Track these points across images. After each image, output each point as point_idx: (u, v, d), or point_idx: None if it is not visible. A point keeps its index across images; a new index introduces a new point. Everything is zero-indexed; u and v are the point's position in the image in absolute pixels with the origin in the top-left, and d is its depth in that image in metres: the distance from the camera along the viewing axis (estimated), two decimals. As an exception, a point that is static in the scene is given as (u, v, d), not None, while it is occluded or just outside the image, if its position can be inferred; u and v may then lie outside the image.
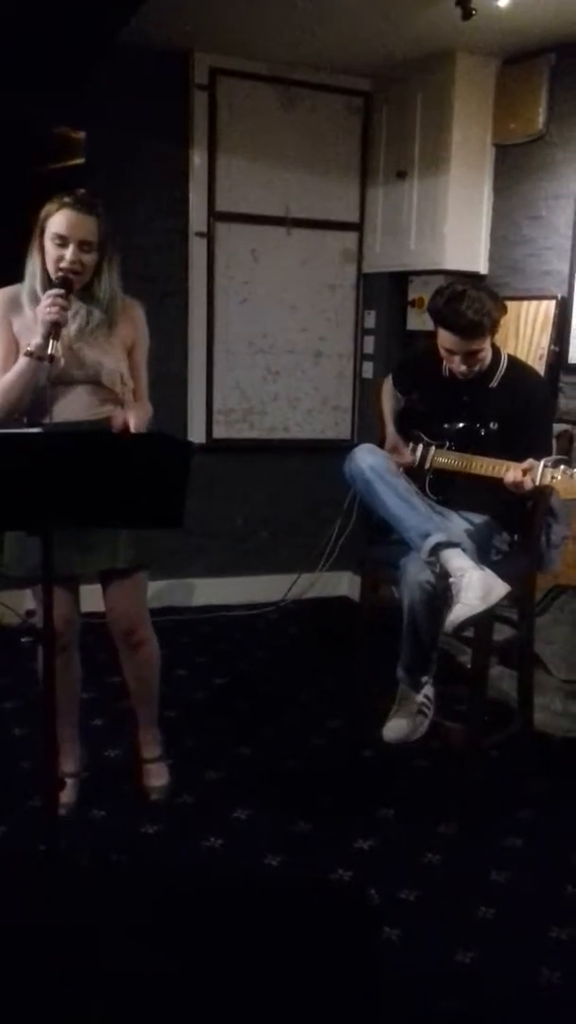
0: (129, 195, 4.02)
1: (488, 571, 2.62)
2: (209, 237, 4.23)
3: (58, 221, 2.38)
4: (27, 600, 4.02)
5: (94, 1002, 2.00)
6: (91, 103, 3.85)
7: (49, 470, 1.85)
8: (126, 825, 2.68)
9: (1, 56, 3.63)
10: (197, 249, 4.23)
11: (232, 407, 4.44)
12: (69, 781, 2.68)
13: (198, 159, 4.16)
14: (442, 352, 2.77)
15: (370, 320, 4.57)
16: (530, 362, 3.42)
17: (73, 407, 2.48)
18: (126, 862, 2.53)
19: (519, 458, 2.65)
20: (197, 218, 4.20)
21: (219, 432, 4.43)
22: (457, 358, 2.73)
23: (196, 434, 4.33)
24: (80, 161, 3.91)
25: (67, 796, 2.66)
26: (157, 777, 2.81)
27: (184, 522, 1.97)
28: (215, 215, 4.22)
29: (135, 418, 2.49)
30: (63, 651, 2.63)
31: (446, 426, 2.88)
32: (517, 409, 2.77)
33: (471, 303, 2.62)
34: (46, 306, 2.32)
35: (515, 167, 3.88)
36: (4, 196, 3.79)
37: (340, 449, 3.43)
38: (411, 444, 2.97)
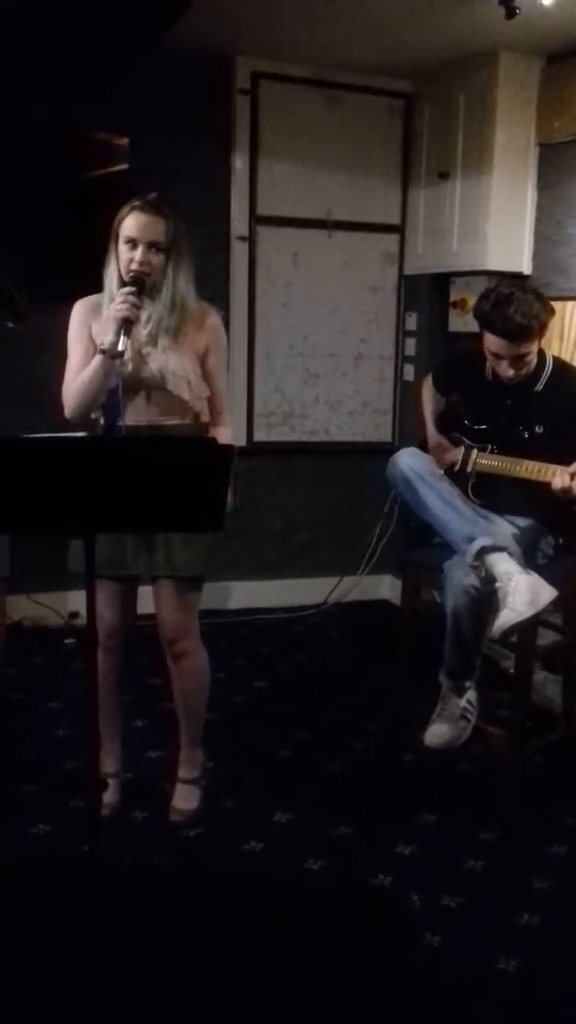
0: (171, 200, 4.03)
1: (535, 575, 2.59)
2: (250, 241, 4.24)
3: (129, 224, 2.44)
4: (70, 602, 4.07)
5: (133, 1001, 2.00)
6: (133, 109, 3.88)
7: (90, 474, 1.87)
8: (168, 827, 2.69)
9: (43, 62, 3.68)
10: (239, 253, 4.24)
11: (272, 410, 4.45)
12: (111, 782, 2.70)
13: (240, 163, 4.17)
14: (488, 356, 2.74)
15: (411, 322, 4.55)
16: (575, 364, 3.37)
17: (139, 412, 2.52)
18: (168, 864, 2.54)
19: (566, 462, 2.61)
20: (239, 222, 4.22)
21: (260, 435, 4.43)
22: (504, 362, 2.69)
23: (236, 437, 4.34)
24: (123, 167, 3.95)
25: (110, 796, 2.67)
26: (184, 800, 2.74)
27: (224, 525, 1.97)
28: (256, 219, 4.23)
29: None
30: (111, 653, 2.65)
31: (489, 429, 2.85)
32: (564, 412, 2.73)
33: (519, 306, 2.59)
34: (118, 303, 2.39)
35: (560, 166, 3.84)
36: (49, 203, 3.85)
37: (381, 452, 3.41)
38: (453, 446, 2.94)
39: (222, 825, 2.71)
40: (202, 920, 2.30)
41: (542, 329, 2.66)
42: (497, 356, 2.70)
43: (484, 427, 2.86)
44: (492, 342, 2.68)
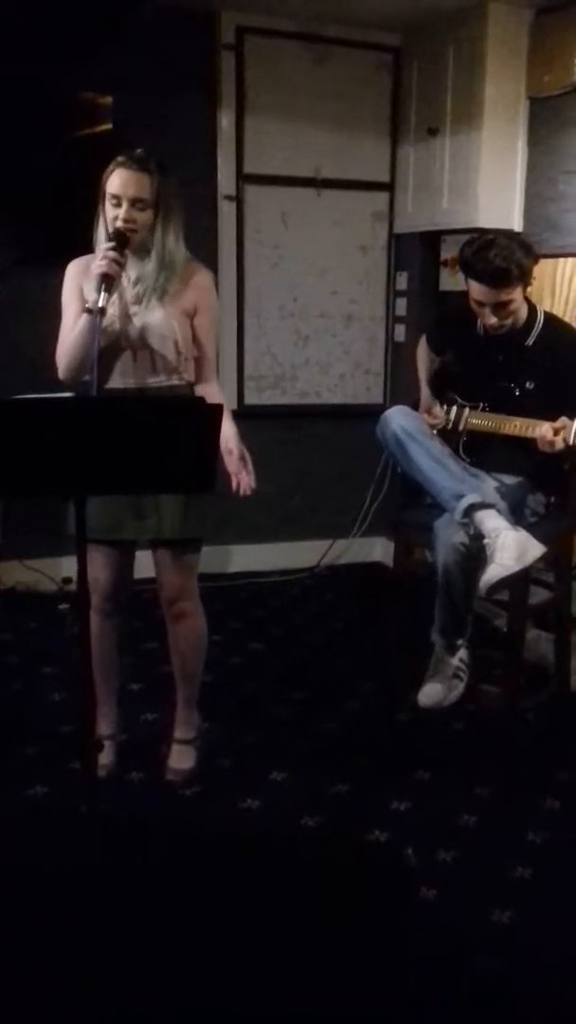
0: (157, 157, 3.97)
1: (523, 532, 2.60)
2: (238, 200, 4.19)
3: (113, 181, 2.41)
4: (64, 568, 4.07)
5: (130, 957, 2.03)
6: (117, 67, 3.81)
7: (79, 435, 1.85)
8: (164, 787, 2.71)
9: (25, 21, 3.61)
10: (226, 212, 4.19)
11: (263, 373, 4.42)
12: (107, 743, 2.71)
13: (225, 121, 4.11)
14: (473, 305, 2.72)
15: (402, 281, 4.51)
16: (567, 319, 3.35)
17: (127, 373, 2.50)
18: (165, 823, 2.57)
19: (555, 418, 2.61)
20: (226, 181, 4.16)
21: (250, 398, 4.41)
22: (487, 310, 2.68)
23: (227, 401, 4.31)
24: (107, 127, 3.88)
25: (106, 758, 2.68)
26: (180, 760, 2.77)
27: (216, 487, 1.97)
28: (244, 177, 4.17)
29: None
30: (109, 616, 2.66)
31: (480, 387, 2.84)
32: (555, 367, 2.72)
33: (499, 251, 2.58)
34: (98, 260, 2.37)
35: (550, 120, 3.78)
36: (33, 164, 3.79)
37: (372, 414, 3.39)
38: (445, 406, 2.94)
39: (218, 784, 2.74)
40: (200, 877, 2.33)
41: (524, 275, 2.63)
42: (480, 304, 2.68)
43: (476, 385, 2.85)
44: (474, 289, 2.66)
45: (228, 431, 2.58)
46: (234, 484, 2.59)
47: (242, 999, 1.95)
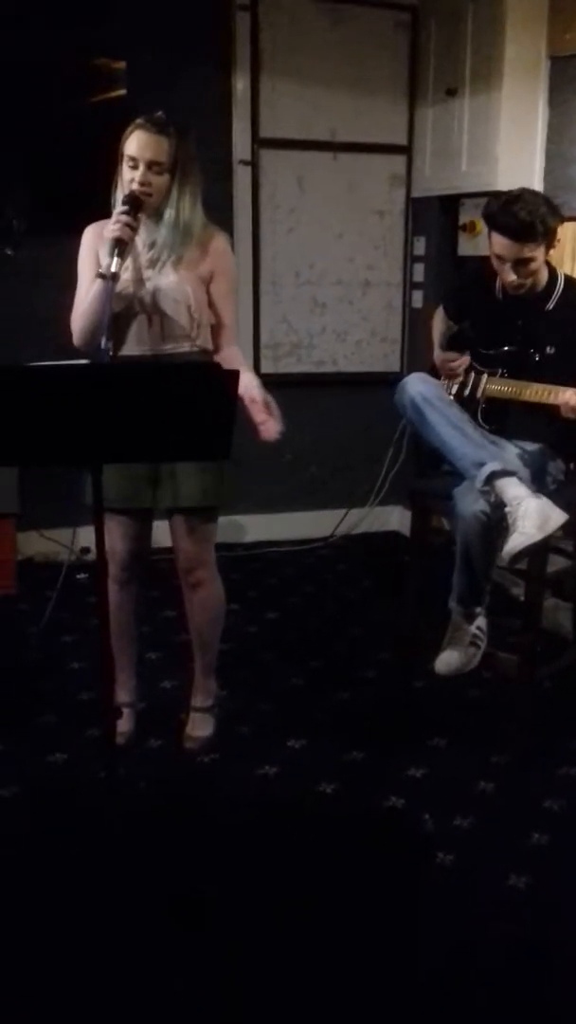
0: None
1: (545, 499, 2.58)
2: (254, 165, 4.14)
3: (131, 143, 2.39)
4: (82, 538, 4.08)
5: (148, 921, 2.06)
6: (130, 30, 3.75)
7: (94, 403, 1.84)
8: (183, 754, 2.73)
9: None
10: (241, 177, 4.14)
11: (279, 341, 4.39)
12: (126, 711, 2.73)
13: (241, 84, 4.05)
14: (494, 262, 2.68)
15: (419, 247, 4.46)
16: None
17: (142, 340, 2.49)
18: (183, 789, 2.59)
19: (576, 384, 2.58)
20: (241, 145, 4.11)
21: (267, 367, 4.38)
22: (507, 266, 2.63)
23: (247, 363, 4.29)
24: (121, 92, 3.84)
25: (124, 725, 2.70)
26: (198, 727, 2.79)
27: (232, 456, 1.95)
28: (259, 141, 4.12)
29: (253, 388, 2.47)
30: (126, 586, 2.66)
31: (499, 352, 2.81)
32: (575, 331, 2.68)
33: (524, 205, 2.54)
34: (111, 223, 2.35)
35: (572, 80, 3.70)
36: (48, 131, 3.75)
37: (389, 382, 3.38)
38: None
39: (236, 751, 2.76)
40: (218, 843, 2.35)
41: (548, 233, 2.59)
42: (501, 259, 2.64)
43: (494, 351, 2.82)
44: (497, 243, 2.62)
45: (250, 381, 2.50)
46: (262, 432, 2.49)
47: (255, 959, 1.97)
